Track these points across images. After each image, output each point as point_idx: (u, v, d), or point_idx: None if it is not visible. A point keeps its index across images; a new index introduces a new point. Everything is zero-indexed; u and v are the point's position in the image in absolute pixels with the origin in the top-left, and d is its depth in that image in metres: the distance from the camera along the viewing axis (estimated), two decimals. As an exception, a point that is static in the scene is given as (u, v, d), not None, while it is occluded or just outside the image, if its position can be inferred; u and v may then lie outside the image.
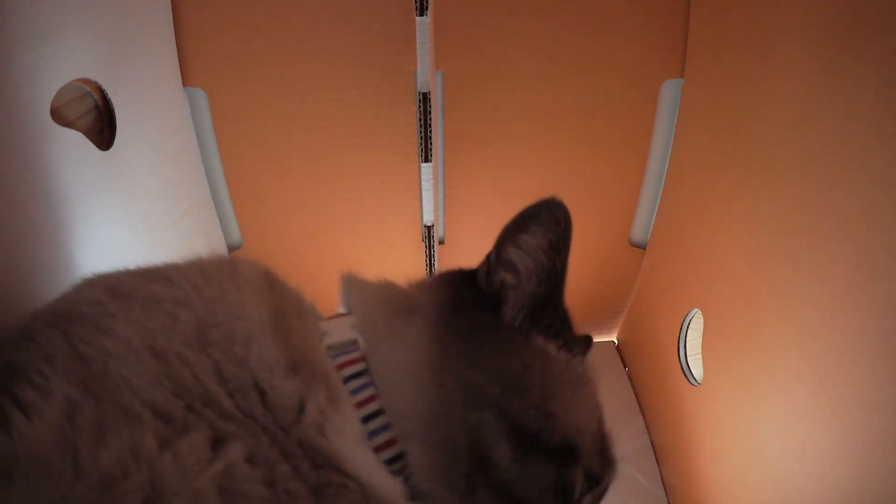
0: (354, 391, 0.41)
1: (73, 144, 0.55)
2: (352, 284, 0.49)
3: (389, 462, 0.40)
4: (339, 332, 0.45)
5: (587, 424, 0.44)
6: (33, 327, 0.36)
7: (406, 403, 0.42)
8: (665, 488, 0.80)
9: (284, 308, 0.43)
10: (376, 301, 0.47)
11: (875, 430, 0.43)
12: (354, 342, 0.44)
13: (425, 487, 0.40)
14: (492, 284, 0.46)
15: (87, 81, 0.58)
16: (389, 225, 0.89)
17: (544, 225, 0.44)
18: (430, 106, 0.77)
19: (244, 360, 0.38)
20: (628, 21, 0.77)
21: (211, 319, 0.39)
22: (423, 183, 0.83)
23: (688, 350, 0.76)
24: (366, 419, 0.41)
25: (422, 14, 0.69)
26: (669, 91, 0.80)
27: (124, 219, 0.63)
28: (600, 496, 0.46)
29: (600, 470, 0.44)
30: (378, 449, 0.40)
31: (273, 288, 0.45)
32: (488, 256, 0.46)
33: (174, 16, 0.73)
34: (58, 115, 0.54)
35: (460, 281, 0.48)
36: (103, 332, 0.36)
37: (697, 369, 0.73)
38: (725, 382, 0.65)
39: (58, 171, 0.52)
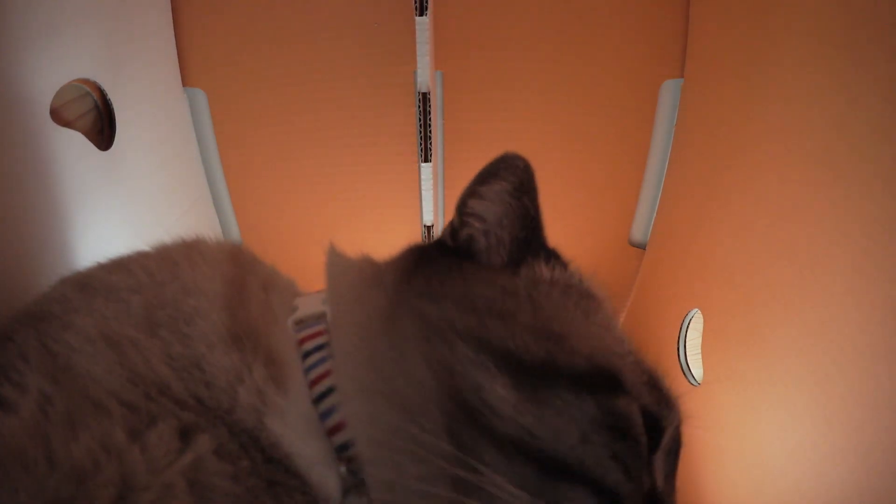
0: (310, 367, 0.37)
1: (73, 144, 0.55)
2: (333, 258, 0.46)
3: (342, 449, 0.35)
4: (311, 305, 0.41)
5: (621, 348, 0.36)
6: (11, 327, 0.37)
7: (351, 360, 0.36)
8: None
9: (245, 280, 0.41)
10: (348, 272, 0.44)
11: (875, 430, 0.43)
12: (323, 315, 0.40)
13: (377, 463, 0.33)
14: (458, 238, 0.42)
15: (86, 81, 0.58)
16: (389, 225, 0.89)
17: (503, 175, 0.41)
18: (430, 106, 0.77)
19: (189, 337, 0.36)
20: (628, 21, 0.77)
21: (160, 301, 0.38)
22: (423, 183, 0.83)
23: (688, 350, 0.76)
24: (318, 399, 0.36)
25: (422, 14, 0.69)
26: (669, 91, 0.80)
27: (124, 218, 0.63)
28: (675, 450, 0.35)
29: (657, 409, 0.34)
30: (330, 433, 0.35)
31: (236, 262, 0.43)
32: (451, 221, 0.42)
33: (174, 16, 0.73)
34: (58, 115, 0.54)
35: (426, 244, 0.44)
36: (67, 328, 0.36)
37: (697, 369, 0.73)
38: (725, 382, 0.65)
39: (58, 171, 0.52)
